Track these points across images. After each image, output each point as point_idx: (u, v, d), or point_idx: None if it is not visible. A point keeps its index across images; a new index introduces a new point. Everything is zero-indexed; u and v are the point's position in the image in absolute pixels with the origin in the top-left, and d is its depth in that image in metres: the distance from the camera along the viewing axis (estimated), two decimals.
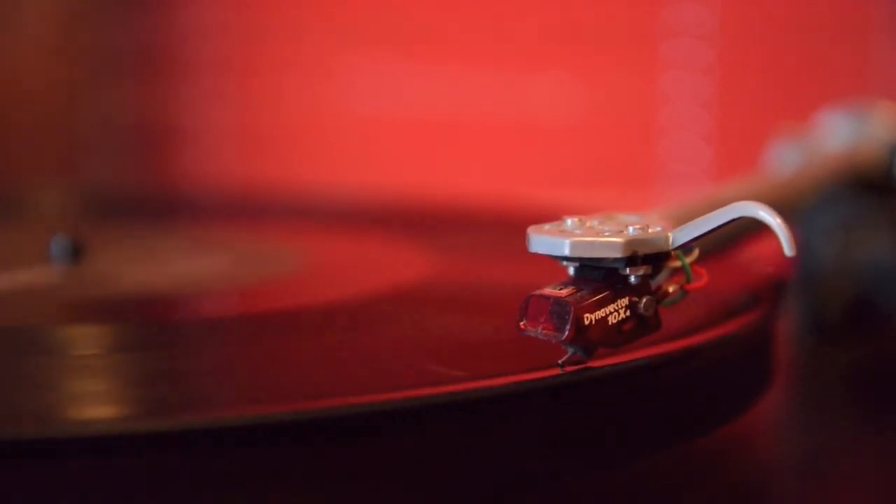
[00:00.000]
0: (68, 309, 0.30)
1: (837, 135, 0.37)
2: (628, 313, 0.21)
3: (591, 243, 0.21)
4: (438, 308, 0.29)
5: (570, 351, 0.21)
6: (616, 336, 0.21)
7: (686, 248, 0.22)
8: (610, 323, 0.21)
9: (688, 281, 0.22)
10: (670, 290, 0.22)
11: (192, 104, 0.71)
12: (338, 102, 0.68)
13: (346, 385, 0.21)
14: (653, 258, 0.21)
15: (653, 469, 0.26)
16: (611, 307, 0.21)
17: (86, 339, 0.26)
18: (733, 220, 0.21)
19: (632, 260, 0.21)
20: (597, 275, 0.21)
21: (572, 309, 0.20)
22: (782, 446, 0.31)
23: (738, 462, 0.29)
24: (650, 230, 0.21)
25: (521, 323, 0.21)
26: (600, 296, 0.21)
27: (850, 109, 0.38)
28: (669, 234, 0.21)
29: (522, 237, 0.22)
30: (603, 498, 0.25)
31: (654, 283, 0.22)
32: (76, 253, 0.34)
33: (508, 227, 0.32)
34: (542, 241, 0.21)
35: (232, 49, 0.71)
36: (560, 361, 0.21)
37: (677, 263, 0.22)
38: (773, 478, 0.29)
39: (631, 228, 0.21)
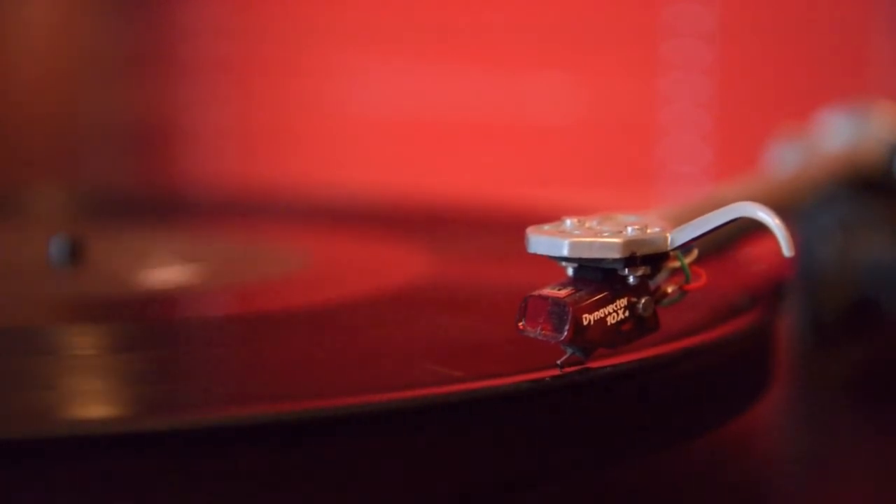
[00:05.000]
0: (68, 309, 0.30)
1: (837, 135, 0.37)
2: (627, 314, 0.21)
3: (590, 244, 0.21)
4: (438, 308, 0.29)
5: (569, 351, 0.21)
6: (615, 336, 0.21)
7: (685, 248, 0.22)
8: (609, 323, 0.21)
9: (687, 281, 0.22)
10: (669, 290, 0.22)
11: (192, 104, 0.71)
12: (338, 102, 0.68)
13: (346, 385, 0.21)
14: (652, 259, 0.21)
15: (653, 469, 0.26)
16: (609, 308, 0.21)
17: (85, 339, 0.26)
18: (732, 221, 0.21)
19: (630, 260, 0.21)
20: (596, 275, 0.21)
21: (571, 309, 0.20)
22: (782, 446, 0.31)
23: (738, 462, 0.29)
24: (649, 231, 0.21)
25: (520, 323, 0.21)
26: (599, 296, 0.21)
27: (850, 109, 0.38)
28: (668, 234, 0.21)
29: (522, 237, 0.22)
30: (603, 498, 0.25)
31: (652, 284, 0.22)
32: (76, 253, 0.34)
33: (508, 228, 0.32)
34: (541, 241, 0.21)
35: (232, 49, 0.71)
36: (559, 362, 0.21)
37: (676, 264, 0.22)
38: (773, 478, 0.29)
39: (630, 229, 0.21)
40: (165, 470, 0.18)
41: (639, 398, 0.23)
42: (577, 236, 0.21)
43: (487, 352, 0.24)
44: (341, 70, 0.68)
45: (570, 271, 0.22)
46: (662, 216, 0.23)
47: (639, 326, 0.22)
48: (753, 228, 0.23)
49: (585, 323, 0.21)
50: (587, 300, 0.21)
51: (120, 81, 0.72)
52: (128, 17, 0.73)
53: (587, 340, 0.21)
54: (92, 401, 0.21)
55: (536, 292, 0.21)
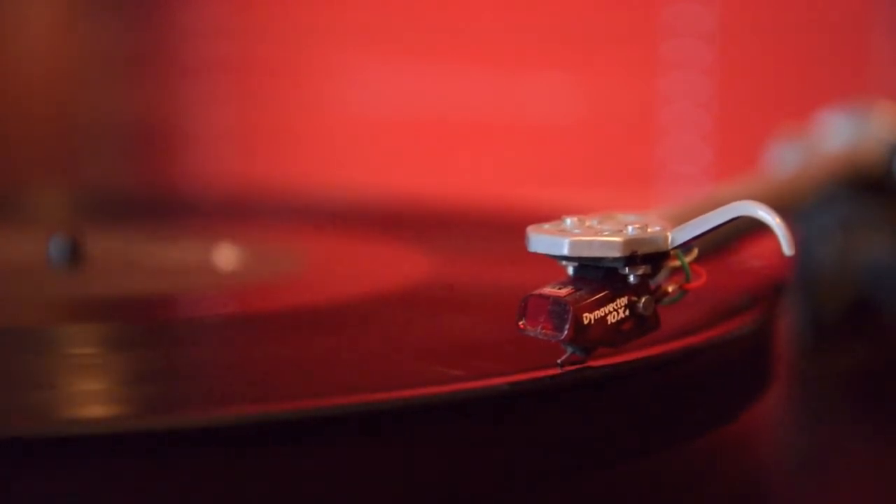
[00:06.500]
0: (68, 309, 0.30)
1: (837, 135, 0.37)
2: (627, 313, 0.21)
3: (590, 242, 0.21)
4: (438, 308, 0.29)
5: (570, 350, 0.21)
6: (615, 335, 0.21)
7: (685, 247, 0.22)
8: (609, 322, 0.21)
9: (687, 280, 0.22)
10: (669, 289, 0.22)
11: (192, 104, 0.71)
12: (338, 102, 0.68)
13: (346, 385, 0.21)
14: (652, 258, 0.21)
15: (653, 469, 0.26)
16: (610, 306, 0.21)
17: (85, 339, 0.26)
18: (732, 220, 0.21)
19: (631, 259, 0.21)
20: (596, 274, 0.21)
21: (571, 308, 0.20)
22: (782, 446, 0.31)
23: (738, 462, 0.29)
24: (649, 229, 0.21)
25: (521, 322, 0.21)
26: (599, 295, 0.21)
27: (850, 109, 0.38)
28: (668, 233, 0.21)
29: (522, 237, 0.22)
30: (603, 498, 0.25)
31: (653, 283, 0.22)
32: (76, 253, 0.34)
33: (508, 227, 0.32)
34: (542, 240, 0.21)
35: (232, 49, 0.71)
36: (559, 361, 0.21)
37: (676, 263, 0.22)
38: (773, 478, 0.29)
39: (630, 228, 0.21)
40: (165, 470, 0.18)
41: (639, 397, 0.23)
42: (578, 235, 0.21)
43: (487, 351, 0.24)
44: (341, 70, 0.68)
45: (570, 270, 0.22)
46: (662, 216, 0.23)
47: (639, 325, 0.21)
48: (754, 228, 0.23)
49: (586, 322, 0.21)
50: (587, 299, 0.21)
51: (120, 81, 0.72)
52: (128, 17, 0.73)
53: (588, 339, 0.21)
54: (92, 401, 0.21)
55: (537, 291, 0.21)
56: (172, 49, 0.72)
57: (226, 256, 0.38)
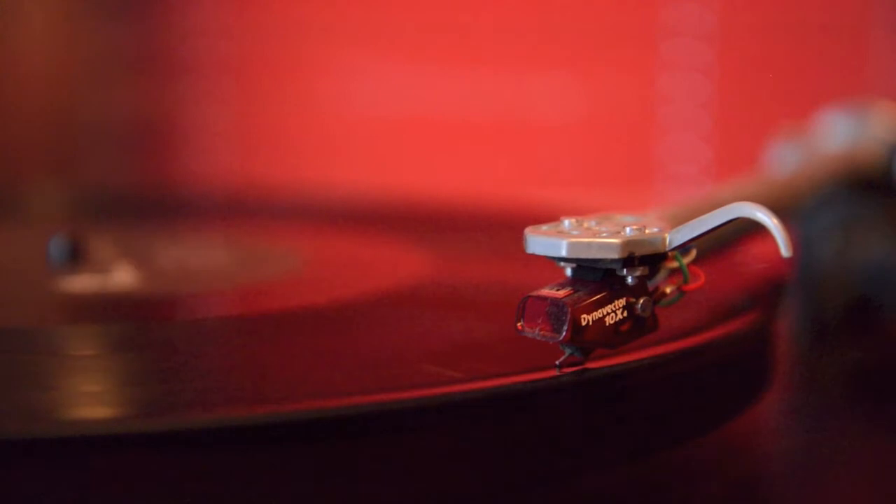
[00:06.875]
0: (68, 309, 0.30)
1: (837, 135, 0.37)
2: (625, 314, 0.21)
3: (589, 244, 0.21)
4: (437, 308, 0.29)
5: (568, 352, 0.21)
6: (613, 337, 0.21)
7: (683, 248, 0.22)
8: (607, 324, 0.21)
9: (685, 281, 0.22)
10: (668, 290, 0.22)
11: (192, 104, 0.71)
12: (338, 102, 0.68)
13: (345, 385, 0.22)
14: (650, 259, 0.21)
15: (653, 469, 0.26)
16: (608, 308, 0.21)
17: (85, 339, 0.26)
18: (730, 221, 0.21)
19: (629, 261, 0.21)
20: (594, 275, 0.21)
21: (569, 310, 0.20)
22: (782, 446, 0.31)
23: (738, 462, 0.29)
24: (647, 231, 0.21)
25: (519, 324, 0.21)
26: (597, 297, 0.21)
27: (850, 109, 0.38)
28: (667, 234, 0.21)
29: (521, 237, 0.22)
30: (603, 498, 0.25)
31: (651, 284, 0.22)
32: (76, 253, 0.34)
33: (507, 228, 0.32)
34: (540, 241, 0.21)
35: (232, 49, 0.71)
36: (558, 362, 0.21)
37: (675, 264, 0.22)
38: (773, 478, 0.29)
39: (628, 229, 0.21)
40: (165, 470, 0.18)
41: (639, 397, 0.23)
42: (576, 237, 0.21)
43: (486, 352, 0.24)
44: (341, 70, 0.68)
45: (568, 272, 0.22)
46: (661, 216, 0.23)
47: (637, 327, 0.22)
48: (753, 229, 0.23)
49: (584, 323, 0.21)
50: (586, 300, 0.21)
51: (120, 81, 0.73)
52: (128, 16, 0.73)
53: (586, 341, 0.21)
54: (91, 401, 0.21)
55: (535, 293, 0.21)
56: (172, 49, 0.72)
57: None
